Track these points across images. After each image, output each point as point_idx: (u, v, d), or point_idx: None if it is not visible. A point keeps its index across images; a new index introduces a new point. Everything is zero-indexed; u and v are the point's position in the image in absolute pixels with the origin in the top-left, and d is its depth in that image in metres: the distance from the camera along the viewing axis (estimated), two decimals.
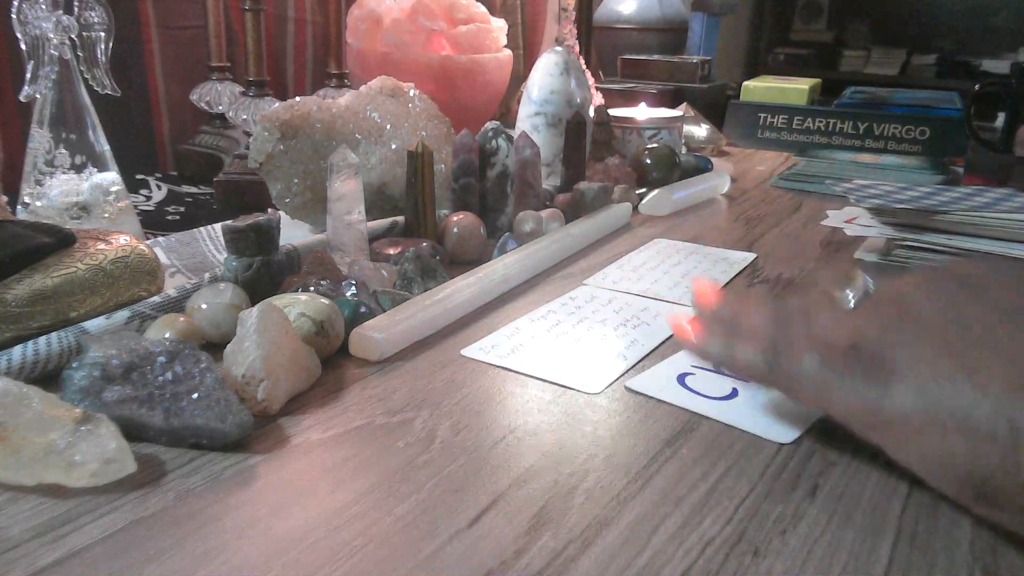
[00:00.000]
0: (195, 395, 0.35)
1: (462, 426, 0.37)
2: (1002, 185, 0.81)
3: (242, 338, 0.38)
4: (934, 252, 0.62)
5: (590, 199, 0.71)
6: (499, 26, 0.97)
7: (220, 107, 0.88)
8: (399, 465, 0.34)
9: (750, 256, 0.64)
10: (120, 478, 0.31)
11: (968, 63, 2.83)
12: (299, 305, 0.42)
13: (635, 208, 0.78)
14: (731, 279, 0.59)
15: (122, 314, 0.43)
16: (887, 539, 0.30)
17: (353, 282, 0.48)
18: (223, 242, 0.53)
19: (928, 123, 1.06)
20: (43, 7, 0.53)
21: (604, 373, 0.43)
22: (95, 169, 0.58)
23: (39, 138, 0.56)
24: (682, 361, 0.44)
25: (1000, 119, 0.93)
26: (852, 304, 0.33)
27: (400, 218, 0.63)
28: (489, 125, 0.66)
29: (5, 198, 0.56)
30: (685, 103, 1.14)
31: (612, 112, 0.93)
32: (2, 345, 0.40)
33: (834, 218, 0.75)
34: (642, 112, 0.93)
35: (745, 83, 1.23)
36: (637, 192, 0.79)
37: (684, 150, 0.96)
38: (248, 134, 0.83)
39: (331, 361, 0.43)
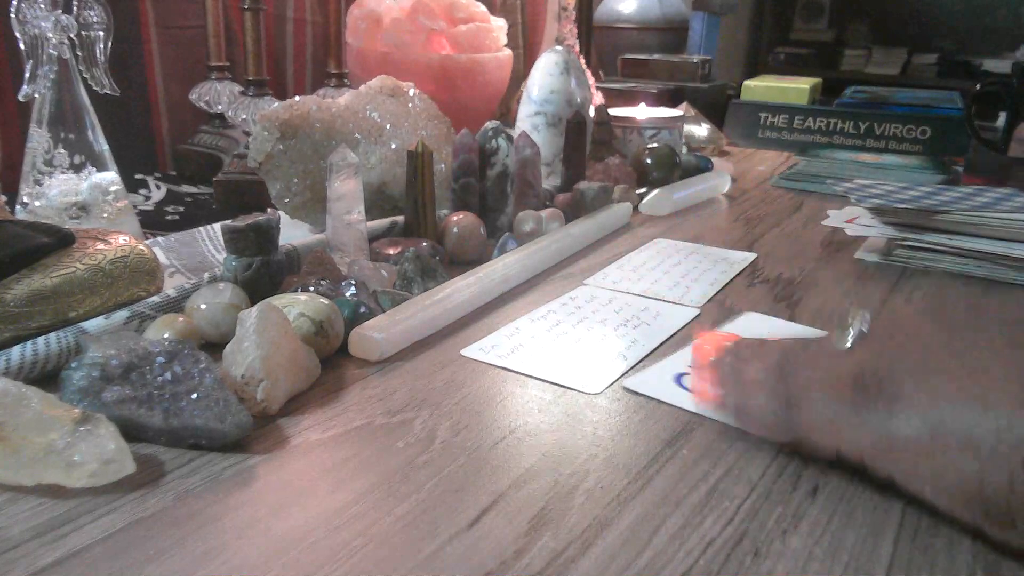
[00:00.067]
0: (194, 395, 0.34)
1: (462, 426, 0.37)
2: (1002, 185, 0.81)
3: (241, 338, 0.38)
4: (935, 252, 0.62)
5: (590, 199, 0.70)
6: (499, 26, 0.97)
7: (219, 107, 0.88)
8: (399, 465, 0.34)
9: (750, 256, 0.64)
10: (119, 478, 0.31)
11: (969, 63, 2.84)
12: (298, 305, 0.42)
13: (635, 208, 0.78)
14: (731, 279, 0.59)
15: (121, 314, 0.43)
16: (888, 539, 0.30)
17: (353, 282, 0.48)
18: (222, 242, 0.53)
19: (929, 123, 1.06)
20: (42, 6, 0.53)
21: (604, 373, 0.43)
22: (94, 169, 0.58)
23: (38, 138, 0.56)
24: (682, 361, 0.44)
25: (1001, 119, 0.93)
26: (850, 344, 0.33)
27: (400, 218, 0.63)
28: (489, 125, 0.66)
29: (4, 198, 0.56)
30: (685, 103, 1.14)
31: (612, 112, 0.93)
32: (1, 345, 0.40)
33: (835, 218, 0.75)
34: (642, 112, 0.93)
35: (745, 83, 1.23)
36: (637, 192, 0.79)
37: (684, 150, 0.96)
38: (247, 134, 0.83)
39: (331, 361, 0.43)
